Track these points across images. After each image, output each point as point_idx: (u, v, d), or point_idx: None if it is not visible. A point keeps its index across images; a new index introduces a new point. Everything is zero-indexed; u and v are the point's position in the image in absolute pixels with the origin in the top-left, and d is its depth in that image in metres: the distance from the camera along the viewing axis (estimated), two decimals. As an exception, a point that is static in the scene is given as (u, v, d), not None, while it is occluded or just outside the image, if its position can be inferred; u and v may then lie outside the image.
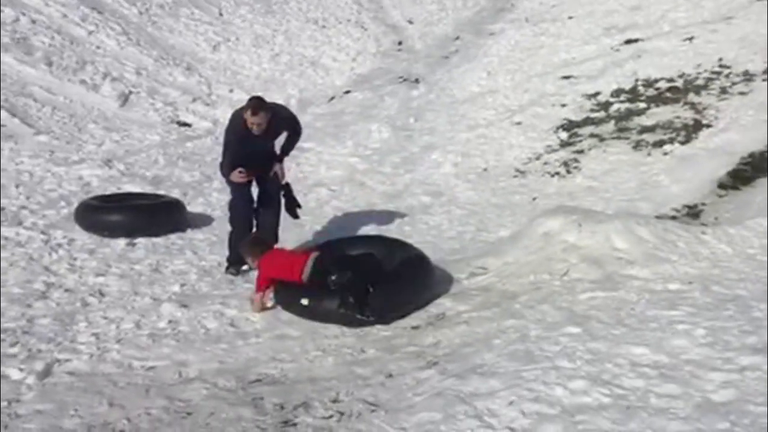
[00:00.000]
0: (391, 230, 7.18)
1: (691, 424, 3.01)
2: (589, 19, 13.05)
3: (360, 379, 3.90)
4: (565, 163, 8.77)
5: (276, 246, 5.60)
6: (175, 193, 7.94)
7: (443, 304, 4.90)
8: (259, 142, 5.69)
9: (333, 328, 4.65)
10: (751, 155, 7.58)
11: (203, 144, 10.19)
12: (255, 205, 5.95)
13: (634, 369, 3.49)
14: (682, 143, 8.42)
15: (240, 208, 5.89)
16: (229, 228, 5.96)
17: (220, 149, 6.07)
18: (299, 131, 6.00)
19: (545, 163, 8.93)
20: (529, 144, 9.53)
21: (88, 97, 11.04)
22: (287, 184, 6.12)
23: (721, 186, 7.12)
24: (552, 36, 12.87)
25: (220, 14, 15.43)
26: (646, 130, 8.99)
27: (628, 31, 11.97)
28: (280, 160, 5.99)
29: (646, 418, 3.08)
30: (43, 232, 6.54)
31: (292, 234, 6.47)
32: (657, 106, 9.48)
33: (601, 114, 9.81)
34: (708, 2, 11.91)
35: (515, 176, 8.77)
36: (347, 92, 12.62)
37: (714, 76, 9.73)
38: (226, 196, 6.50)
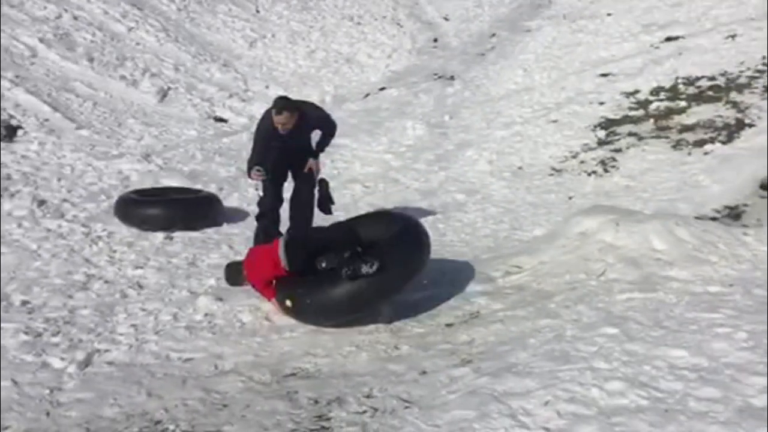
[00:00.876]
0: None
1: (731, 428, 2.95)
2: (628, 16, 12.86)
3: (393, 375, 3.91)
4: (603, 162, 8.66)
5: None
6: (212, 188, 8.04)
7: (477, 302, 4.88)
8: (290, 139, 5.70)
9: (366, 324, 4.66)
10: (795, 155, 7.40)
11: (239, 139, 10.30)
12: (289, 201, 5.99)
13: (673, 372, 3.43)
14: (724, 143, 8.26)
15: (267, 205, 5.93)
16: (255, 224, 6.02)
17: (254, 145, 6.13)
18: (332, 128, 6.00)
19: (582, 162, 8.83)
20: (566, 142, 9.43)
21: (128, 92, 11.23)
22: (322, 180, 6.15)
23: (763, 187, 6.96)
24: (590, 33, 12.71)
25: (257, 11, 15.56)
26: (686, 129, 8.83)
27: (668, 28, 11.78)
28: (314, 156, 6.02)
29: (685, 422, 3.03)
30: (83, 225, 6.68)
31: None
32: (698, 104, 9.31)
33: (640, 112, 9.66)
34: (752, -1, 11.66)
35: (551, 174, 8.69)
36: (382, 89, 12.63)
37: (757, 74, 9.51)
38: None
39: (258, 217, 6.00)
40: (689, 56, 10.56)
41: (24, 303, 5.01)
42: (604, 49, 11.90)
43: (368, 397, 3.68)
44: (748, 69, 9.69)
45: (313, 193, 6.06)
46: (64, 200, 7.34)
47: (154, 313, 4.90)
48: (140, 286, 5.46)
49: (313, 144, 6.03)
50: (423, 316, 4.75)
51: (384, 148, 9.87)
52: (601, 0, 13.90)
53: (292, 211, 6.01)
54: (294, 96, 6.79)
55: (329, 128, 5.98)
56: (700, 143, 8.40)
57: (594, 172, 8.51)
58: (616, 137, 9.19)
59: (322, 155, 6.14)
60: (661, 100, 9.74)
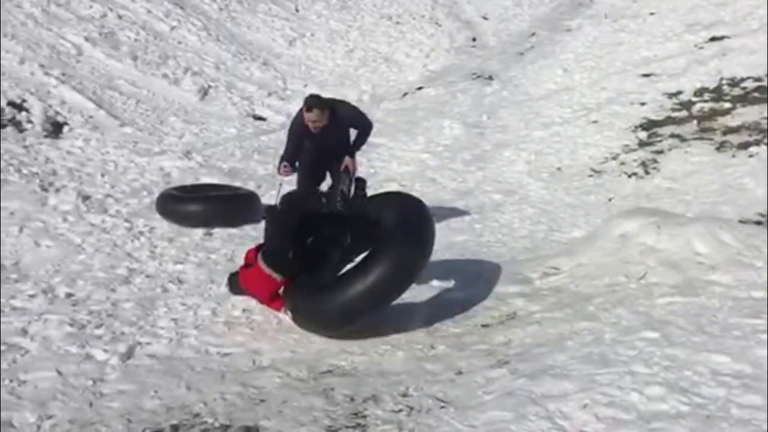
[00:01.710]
0: (461, 228, 7.16)
1: (775, 437, 2.90)
2: (671, 15, 12.62)
3: (429, 375, 3.91)
4: (644, 164, 8.53)
5: None
6: (250, 186, 8.13)
7: (514, 303, 4.85)
8: (323, 138, 5.71)
9: (401, 322, 4.67)
10: None
11: (277, 138, 10.37)
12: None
13: (715, 378, 3.37)
14: (769, 145, 8.07)
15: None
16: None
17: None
18: (367, 127, 5.96)
19: (622, 163, 8.71)
20: (606, 143, 9.31)
21: (170, 90, 11.42)
22: (359, 179, 6.16)
23: (811, 190, 6.79)
24: (632, 32, 12.52)
25: (296, 10, 15.68)
26: (730, 131, 8.65)
27: (712, 28, 11.53)
28: (350, 154, 6.02)
29: (727, 429, 2.98)
30: (126, 220, 6.82)
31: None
32: (743, 106, 9.10)
33: (683, 113, 9.49)
34: (801, -2, 11.35)
35: (590, 176, 8.59)
36: (420, 88, 12.62)
37: (806, 75, 9.28)
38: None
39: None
40: (734, 57, 10.32)
41: (69, 295, 5.13)
42: (647, 49, 11.70)
43: (404, 395, 3.69)
44: (796, 70, 9.45)
45: (350, 191, 6.08)
46: (108, 196, 7.49)
47: (194, 308, 4.97)
48: (180, 281, 5.55)
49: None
50: (459, 317, 4.74)
51: (421, 148, 9.86)
52: (644, -1, 13.69)
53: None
54: (331, 95, 6.82)
55: (364, 127, 5.95)
56: (744, 145, 8.22)
57: (634, 173, 8.39)
58: (658, 138, 9.04)
59: (359, 154, 6.15)
60: (705, 101, 9.55)
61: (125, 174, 8.26)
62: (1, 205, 6.68)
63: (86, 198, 7.27)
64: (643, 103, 10.04)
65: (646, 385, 3.33)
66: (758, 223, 6.17)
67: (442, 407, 3.50)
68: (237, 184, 8.10)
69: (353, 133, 6.02)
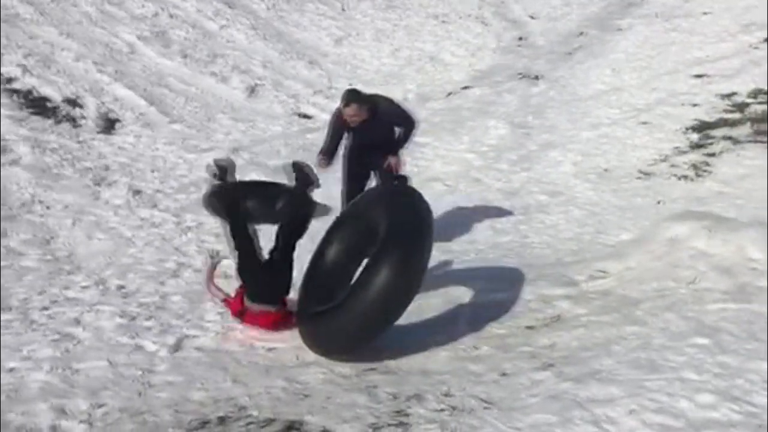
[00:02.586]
0: (506, 229, 7.10)
1: (832, 450, 2.81)
2: (726, 15, 12.30)
3: (473, 375, 3.90)
4: (695, 166, 8.34)
5: None
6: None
7: (560, 305, 4.80)
8: (364, 134, 5.71)
9: (445, 322, 4.65)
10: None
11: (322, 136, 10.33)
12: None
13: (768, 386, 3.29)
14: (828, 149, 7.81)
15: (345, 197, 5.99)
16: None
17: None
18: (410, 124, 5.93)
19: (672, 166, 8.52)
20: (656, 145, 9.11)
21: (218, 88, 11.59)
22: (401, 176, 6.15)
23: None
24: (684, 32, 12.24)
25: (343, 9, 15.75)
26: (787, 133, 8.40)
27: (769, 27, 11.20)
28: (394, 152, 6.01)
29: (781, 440, 2.90)
30: (175, 215, 6.96)
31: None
32: (800, 108, 8.84)
33: (737, 115, 9.24)
34: None
35: (639, 178, 8.42)
36: (465, 88, 12.54)
37: None
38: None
39: None
40: (792, 57, 10.02)
41: (120, 288, 5.27)
42: (699, 49, 11.42)
43: (447, 395, 3.68)
44: None
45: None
46: (158, 191, 7.65)
47: (240, 303, 5.04)
48: (226, 276, 5.63)
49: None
50: (503, 318, 4.71)
51: (466, 147, 9.80)
52: (697, -2, 13.39)
53: None
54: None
55: (407, 124, 5.91)
56: (801, 149, 7.97)
57: (685, 176, 8.20)
58: (710, 141, 8.82)
59: (403, 152, 6.14)
60: (760, 103, 9.28)
61: (174, 170, 8.41)
62: (56, 198, 6.88)
63: (137, 192, 7.44)
64: (695, 105, 9.81)
65: (697, 392, 3.26)
66: (815, 229, 5.96)
67: (486, 408, 3.48)
68: (283, 181, 8.16)
69: (398, 131, 6.03)
